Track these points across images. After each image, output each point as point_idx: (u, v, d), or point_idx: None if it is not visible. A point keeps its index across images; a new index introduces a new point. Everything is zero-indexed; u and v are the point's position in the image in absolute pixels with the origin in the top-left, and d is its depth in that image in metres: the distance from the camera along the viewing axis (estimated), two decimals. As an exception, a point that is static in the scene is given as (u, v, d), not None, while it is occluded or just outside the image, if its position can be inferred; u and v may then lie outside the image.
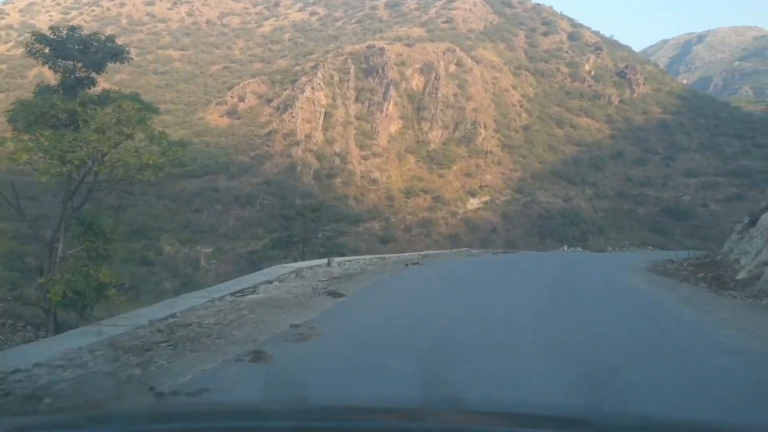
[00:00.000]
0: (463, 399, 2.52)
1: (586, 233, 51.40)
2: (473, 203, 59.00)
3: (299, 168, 59.81)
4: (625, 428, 2.08)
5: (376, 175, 60.89)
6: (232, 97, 74.58)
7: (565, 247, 31.29)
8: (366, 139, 64.43)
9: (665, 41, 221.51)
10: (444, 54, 75.05)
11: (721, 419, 4.23)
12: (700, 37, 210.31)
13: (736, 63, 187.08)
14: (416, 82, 71.27)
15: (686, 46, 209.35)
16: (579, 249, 31.63)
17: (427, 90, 69.99)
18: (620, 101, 77.85)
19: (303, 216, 30.99)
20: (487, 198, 59.52)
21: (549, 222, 53.61)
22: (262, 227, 52.81)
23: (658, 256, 24.03)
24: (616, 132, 73.01)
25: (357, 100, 69.44)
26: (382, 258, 22.31)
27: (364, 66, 72.65)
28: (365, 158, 62.51)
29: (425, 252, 29.54)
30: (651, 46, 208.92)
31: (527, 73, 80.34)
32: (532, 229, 54.16)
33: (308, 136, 62.85)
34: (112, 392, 5.12)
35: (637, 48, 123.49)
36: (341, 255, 26.84)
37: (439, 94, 69.01)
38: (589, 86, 79.76)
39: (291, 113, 65.22)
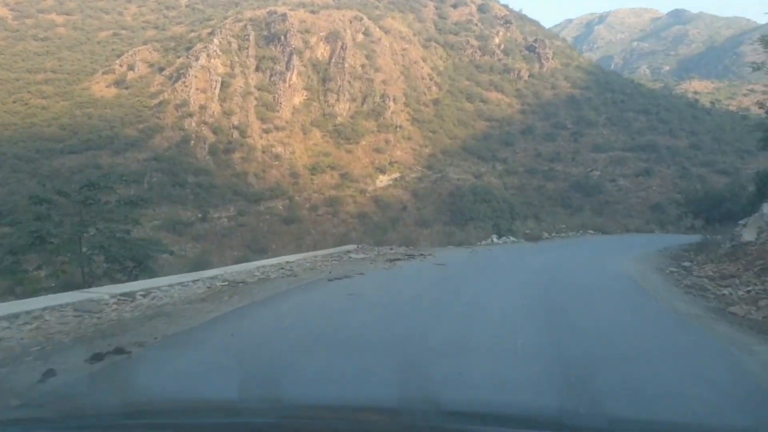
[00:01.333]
0: (439, 399, 2.44)
1: (497, 210, 49.49)
2: (383, 180, 56.01)
3: (193, 142, 54.74)
4: (599, 429, 2.03)
5: (279, 150, 56.71)
6: (120, 65, 67.91)
7: (495, 237, 24.56)
8: (267, 111, 59.96)
9: (569, 21, 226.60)
10: (351, 22, 71.23)
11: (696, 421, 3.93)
12: (602, 18, 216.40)
13: (635, 43, 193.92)
14: (321, 51, 67.19)
15: (589, 26, 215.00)
16: (511, 239, 25.09)
17: (333, 60, 66.06)
18: (530, 76, 76.80)
19: (68, 198, 15.36)
20: (397, 175, 56.66)
21: (460, 199, 51.33)
22: (151, 207, 47.95)
23: (634, 249, 18.89)
24: (525, 107, 71.85)
25: (258, 69, 64.65)
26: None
27: (265, 33, 67.79)
28: (267, 132, 58.12)
29: (270, 264, 14.40)
30: (557, 25, 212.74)
31: (437, 45, 77.82)
32: (443, 206, 51.77)
33: (203, 108, 57.71)
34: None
35: (544, 26, 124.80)
36: (130, 273, 14.09)
37: (346, 65, 65.25)
38: (499, 60, 78.22)
39: (184, 82, 59.74)
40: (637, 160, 62.60)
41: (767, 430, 3.29)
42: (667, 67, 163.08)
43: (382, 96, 64.01)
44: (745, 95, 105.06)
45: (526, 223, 30.60)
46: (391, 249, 20.07)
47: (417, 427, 2.01)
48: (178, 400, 3.53)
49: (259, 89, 62.24)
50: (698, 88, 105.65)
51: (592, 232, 30.59)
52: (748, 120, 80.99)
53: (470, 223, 48.88)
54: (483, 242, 24.03)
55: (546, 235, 26.85)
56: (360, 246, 21.06)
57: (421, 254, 17.50)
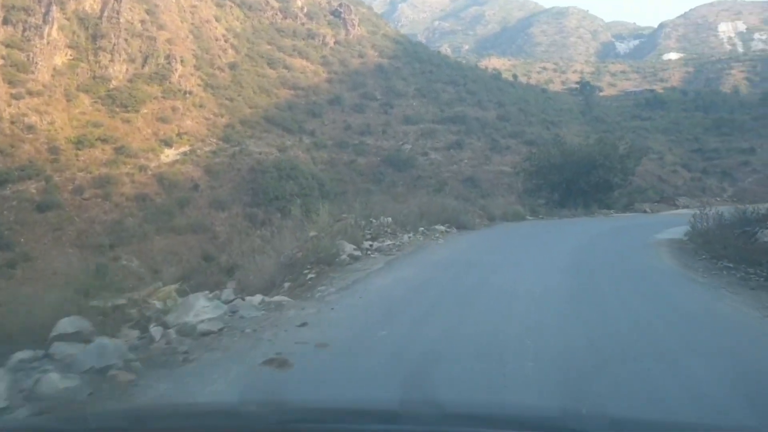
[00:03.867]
0: (440, 401, 2.38)
1: (306, 188, 43.61)
2: (169, 155, 47.39)
3: None
4: (601, 430, 2.01)
5: (34, 119, 45.44)
6: None
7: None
8: (19, 73, 47.99)
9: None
10: (127, -29, 60.52)
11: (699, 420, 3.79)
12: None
13: (436, 22, 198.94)
14: (90, 2, 55.90)
15: (393, 4, 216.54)
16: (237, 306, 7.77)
17: (105, 14, 55.22)
18: (335, 42, 71.64)
19: None
20: (186, 148, 48.31)
21: (262, 176, 44.70)
22: None
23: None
24: (332, 75, 66.58)
25: (6, 22, 51.98)
26: None
27: (14, -23, 54.97)
28: (17, 98, 46.38)
29: None
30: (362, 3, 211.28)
31: (232, 5, 69.46)
32: (243, 185, 44.84)
33: (-76, 66, 44.73)
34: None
35: None
36: None
37: (122, 20, 54.83)
38: (302, 24, 72.07)
39: None
40: (447, 132, 60.22)
41: None
42: (467, 46, 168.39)
43: (168, 57, 54.73)
44: (538, 72, 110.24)
45: (323, 208, 13.43)
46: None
47: (417, 431, 1.99)
48: (179, 405, 3.48)
49: (7, 46, 49.84)
50: (497, 65, 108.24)
51: (442, 228, 16.22)
52: (547, 93, 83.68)
53: (274, 203, 42.62)
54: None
55: (347, 253, 10.83)
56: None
57: None
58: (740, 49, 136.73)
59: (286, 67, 64.39)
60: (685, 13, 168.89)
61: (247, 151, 48.46)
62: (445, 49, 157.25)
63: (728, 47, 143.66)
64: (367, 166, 53.66)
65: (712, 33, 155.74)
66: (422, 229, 15.50)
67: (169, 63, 54.49)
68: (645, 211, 29.68)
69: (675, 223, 17.27)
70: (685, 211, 18.23)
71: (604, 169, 28.16)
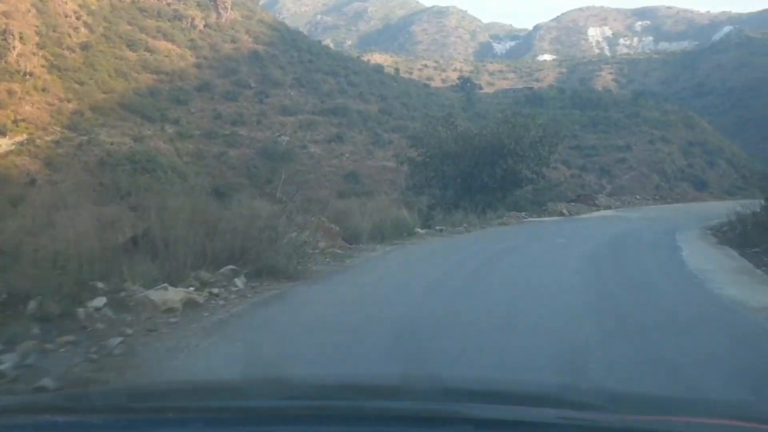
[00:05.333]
0: (440, 376, 2.37)
1: (166, 183, 38.56)
2: (2, 145, 40.92)
3: None
4: (600, 405, 2.02)
5: None
6: None
7: None
8: None
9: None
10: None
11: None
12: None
13: (319, 17, 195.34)
14: None
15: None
16: None
17: (-76, -21, 47.29)
18: (206, 26, 66.27)
19: None
20: (24, 137, 41.91)
21: (114, 170, 39.22)
22: None
23: None
24: (201, 60, 61.30)
25: None
26: None
27: None
28: None
29: None
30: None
31: (87, -21, 62.44)
32: (90, 179, 39.16)
33: None
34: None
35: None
36: None
37: (-55, -13, 47.17)
38: (168, 4, 66.04)
39: None
40: (328, 124, 56.89)
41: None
42: (350, 42, 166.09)
43: (3, 33, 47.51)
44: (419, 69, 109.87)
45: None
46: None
47: (418, 406, 1.92)
48: (182, 382, 3.59)
49: None
50: (379, 60, 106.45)
51: (188, 294, 6.95)
52: (429, 89, 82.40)
53: (126, 200, 37.54)
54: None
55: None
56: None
57: None
58: (607, 53, 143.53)
59: (148, 50, 58.41)
60: (558, 17, 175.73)
61: (96, 141, 42.68)
62: (328, 43, 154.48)
63: (597, 50, 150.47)
64: (240, 159, 49.42)
65: (582, 37, 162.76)
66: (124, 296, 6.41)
67: (5, 40, 47.28)
68: (563, 214, 25.63)
69: (646, 238, 13.39)
70: (610, 212, 14.76)
71: (514, 158, 22.97)
